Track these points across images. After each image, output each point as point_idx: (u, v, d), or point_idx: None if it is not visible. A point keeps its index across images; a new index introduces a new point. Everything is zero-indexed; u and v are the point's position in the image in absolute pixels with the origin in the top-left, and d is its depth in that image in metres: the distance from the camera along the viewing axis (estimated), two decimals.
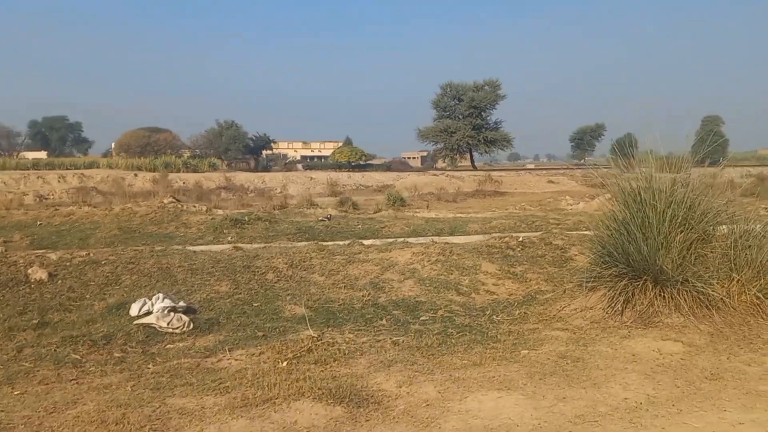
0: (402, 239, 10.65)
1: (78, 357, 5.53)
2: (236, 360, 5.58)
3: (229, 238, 10.64)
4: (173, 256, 8.31)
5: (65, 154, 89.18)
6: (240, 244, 10.10)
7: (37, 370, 5.21)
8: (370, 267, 8.39)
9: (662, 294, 6.53)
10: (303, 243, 10.26)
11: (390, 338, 6.08)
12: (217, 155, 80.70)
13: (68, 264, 7.64)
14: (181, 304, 6.75)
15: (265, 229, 11.41)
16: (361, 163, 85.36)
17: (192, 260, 8.21)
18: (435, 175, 27.00)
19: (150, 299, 6.73)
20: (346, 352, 5.63)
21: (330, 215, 12.85)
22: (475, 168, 64.63)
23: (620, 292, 6.71)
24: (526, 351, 5.72)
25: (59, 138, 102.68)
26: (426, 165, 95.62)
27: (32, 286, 7.05)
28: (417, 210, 17.21)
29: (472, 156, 68.33)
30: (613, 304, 6.74)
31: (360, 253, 8.92)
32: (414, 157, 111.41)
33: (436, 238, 11.02)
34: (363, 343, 5.93)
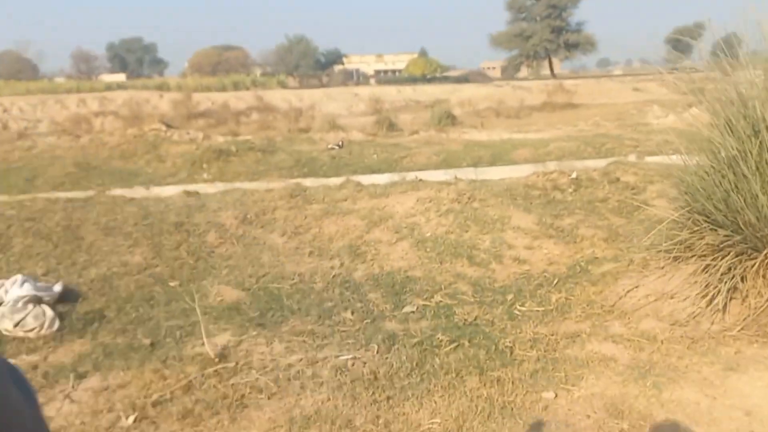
0: (421, 174, 8.15)
1: None
2: (73, 402, 3.48)
3: (206, 176, 8.52)
4: (92, 207, 6.26)
5: (143, 76, 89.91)
6: (216, 185, 7.96)
7: None
8: (354, 221, 6.02)
9: None
10: (289, 183, 7.97)
11: (336, 355, 3.81)
12: (288, 72, 78.82)
13: None
14: (55, 288, 4.69)
15: (255, 161, 9.19)
16: (437, 75, 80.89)
17: (114, 214, 6.12)
18: (498, 86, 23.67)
19: (7, 281, 4.71)
20: (250, 390, 3.42)
21: (341, 142, 10.43)
22: (554, 77, 59.30)
23: (722, 275, 4.09)
24: (551, 394, 3.31)
25: (136, 60, 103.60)
26: (506, 75, 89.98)
27: None
28: (466, 130, 14.44)
29: (551, 63, 62.62)
30: (709, 294, 4.14)
31: (346, 199, 6.54)
32: (493, 68, 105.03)
33: (465, 173, 8.44)
34: (290, 366, 3.69)
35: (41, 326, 4.32)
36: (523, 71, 71.19)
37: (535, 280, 5.00)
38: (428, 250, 5.48)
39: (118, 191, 7.84)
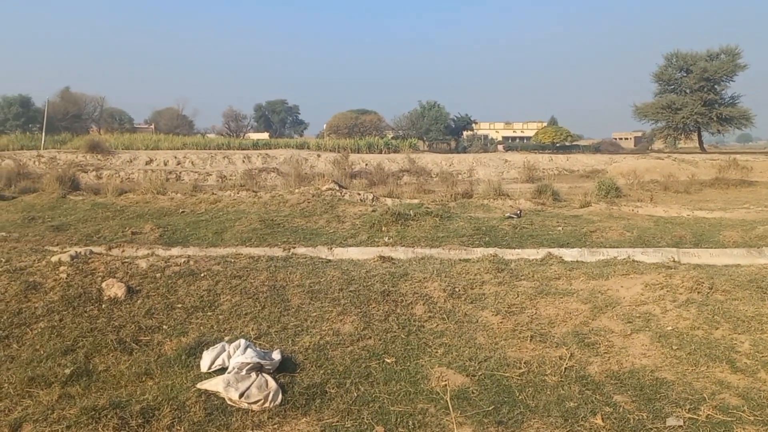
0: (623, 252, 7.36)
1: None
2: None
3: (386, 239, 8.27)
4: (295, 269, 6.10)
5: (285, 135, 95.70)
6: (396, 249, 7.68)
7: None
8: (575, 304, 5.37)
9: None
10: (479, 251, 7.50)
11: None
12: (419, 136, 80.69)
13: (158, 275, 5.80)
14: (275, 356, 4.45)
15: (434, 227, 8.85)
16: (567, 144, 79.07)
17: (317, 276, 5.92)
18: (659, 158, 22.14)
19: (230, 345, 4.53)
20: None
21: (520, 211, 9.87)
22: (704, 150, 55.50)
23: None
24: None
25: (279, 120, 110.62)
26: (640, 146, 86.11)
27: (102, 306, 5.28)
28: (638, 204, 13.39)
29: (700, 136, 58.75)
30: None
31: (558, 278, 5.91)
32: (626, 138, 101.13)
33: (675, 253, 7.53)
34: None
35: (265, 398, 4.04)
36: (657, 143, 67.30)
37: None
38: (674, 347, 4.70)
39: (302, 249, 7.77)
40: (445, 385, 4.32)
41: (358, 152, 45.18)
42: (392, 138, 71.60)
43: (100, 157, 21.07)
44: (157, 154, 29.69)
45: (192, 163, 27.93)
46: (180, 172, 20.81)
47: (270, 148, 45.49)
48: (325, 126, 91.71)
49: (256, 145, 51.79)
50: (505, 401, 4.10)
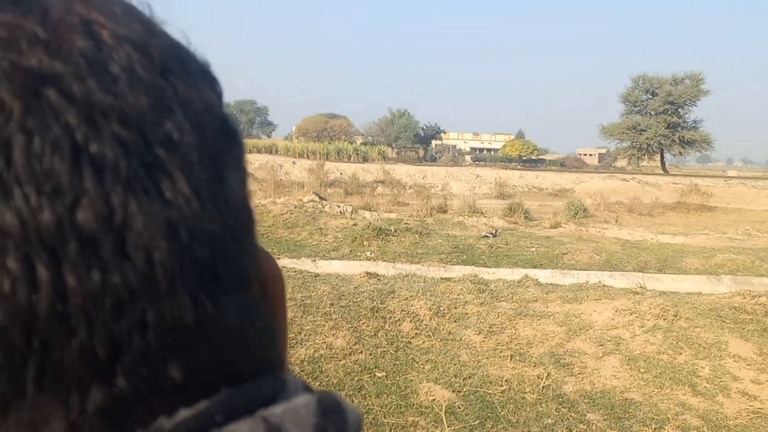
0: (593, 276, 7.82)
1: None
2: None
3: (368, 253, 8.57)
4: (287, 281, 6.34)
5: (252, 136, 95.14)
6: (379, 264, 8.00)
7: None
8: (551, 327, 5.76)
9: None
10: (458, 268, 7.87)
11: None
12: (388, 143, 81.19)
13: None
14: None
15: (413, 243, 9.19)
16: (533, 158, 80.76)
17: (308, 290, 6.20)
18: (625, 180, 22.95)
19: None
20: None
21: (495, 231, 10.29)
22: (666, 171, 57.37)
23: None
24: None
25: (248, 120, 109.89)
26: (603, 163, 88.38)
27: None
28: (604, 225, 13.97)
29: (662, 157, 60.74)
30: None
31: (536, 300, 6.31)
32: (591, 154, 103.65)
33: (640, 277, 8.03)
34: None
35: None
36: (621, 161, 69.43)
37: None
38: (642, 370, 5.11)
39: (286, 261, 8.03)
40: (434, 399, 4.64)
41: (327, 157, 45.42)
42: (361, 144, 72.05)
43: None
44: None
45: None
46: None
47: (261, 153, 45.39)
48: (294, 128, 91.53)
49: None
50: (489, 416, 4.44)
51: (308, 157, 41.16)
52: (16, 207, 0.17)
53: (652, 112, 58.47)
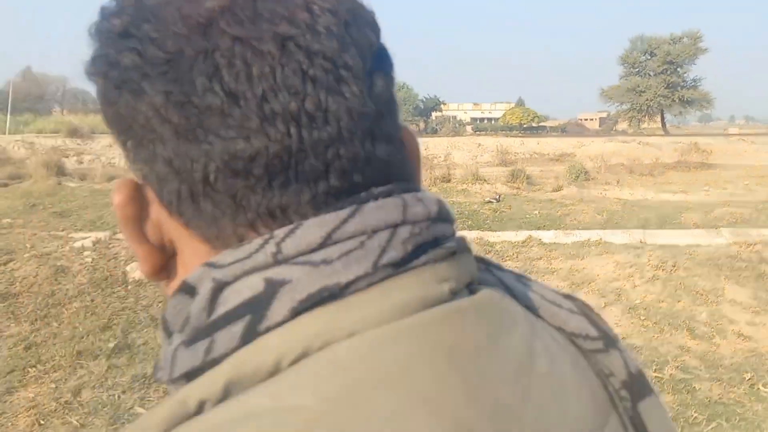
0: (595, 234, 8.08)
1: (144, 411, 3.99)
2: None
3: None
4: None
5: None
6: None
7: None
8: (555, 282, 6.04)
9: None
10: (464, 233, 8.14)
11: None
12: None
13: None
14: None
15: None
16: (534, 125, 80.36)
17: None
18: (625, 142, 23.12)
19: None
20: None
21: (498, 196, 10.54)
22: (666, 132, 57.28)
23: None
24: None
25: None
26: (604, 127, 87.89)
27: (129, 287, 5.76)
28: (606, 187, 14.21)
29: (663, 118, 60.54)
30: None
31: (540, 258, 6.60)
32: (591, 119, 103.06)
33: (641, 234, 8.28)
34: None
35: None
36: (621, 125, 69.23)
37: (767, 359, 4.81)
38: (642, 318, 5.40)
39: None
40: None
41: None
42: None
43: (79, 142, 21.13)
44: None
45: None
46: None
47: None
48: None
49: None
50: None
51: None
52: (280, 101, 0.41)
53: (651, 73, 58.13)
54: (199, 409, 0.36)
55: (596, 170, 18.31)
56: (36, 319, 5.22)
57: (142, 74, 0.39)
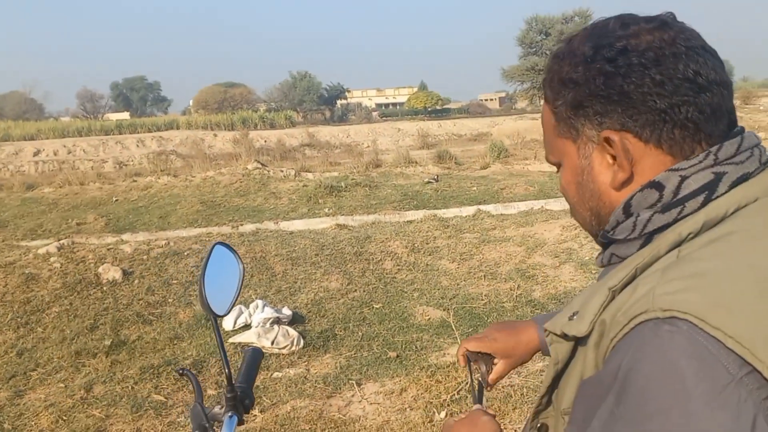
0: (536, 204, 8.78)
1: (162, 398, 4.16)
2: (371, 404, 4.04)
3: (327, 210, 9.12)
4: (267, 241, 6.86)
5: (146, 114, 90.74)
6: (340, 218, 8.57)
7: (111, 424, 3.87)
8: (512, 248, 6.62)
9: None
10: (413, 213, 8.59)
11: None
12: (292, 107, 79.78)
13: (145, 257, 6.33)
14: (285, 311, 5.26)
15: (365, 196, 9.82)
16: (437, 108, 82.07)
17: (290, 245, 6.72)
18: (534, 119, 24.44)
19: (247, 307, 5.29)
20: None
21: (437, 176, 11.09)
22: None
23: None
24: None
25: (140, 98, 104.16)
26: (504, 106, 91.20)
27: (104, 288, 5.78)
28: (525, 161, 15.13)
29: None
30: None
31: (494, 228, 7.15)
32: (491, 99, 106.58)
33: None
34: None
35: (291, 344, 4.88)
36: (521, 103, 72.44)
37: None
38: (593, 272, 6.05)
39: (250, 226, 8.43)
40: (429, 318, 5.37)
41: (233, 128, 44.31)
42: (266, 111, 70.49)
43: None
44: (44, 144, 28.22)
45: (83, 151, 26.68)
46: (74, 161, 20.04)
47: (136, 129, 43.21)
48: (191, 102, 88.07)
49: (119, 127, 48.34)
50: (479, 324, 5.22)
51: (212, 130, 39.96)
52: (711, 78, 0.78)
53: (548, 52, 60.99)
54: (671, 248, 0.71)
55: (513, 147, 19.33)
56: (18, 327, 5.18)
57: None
